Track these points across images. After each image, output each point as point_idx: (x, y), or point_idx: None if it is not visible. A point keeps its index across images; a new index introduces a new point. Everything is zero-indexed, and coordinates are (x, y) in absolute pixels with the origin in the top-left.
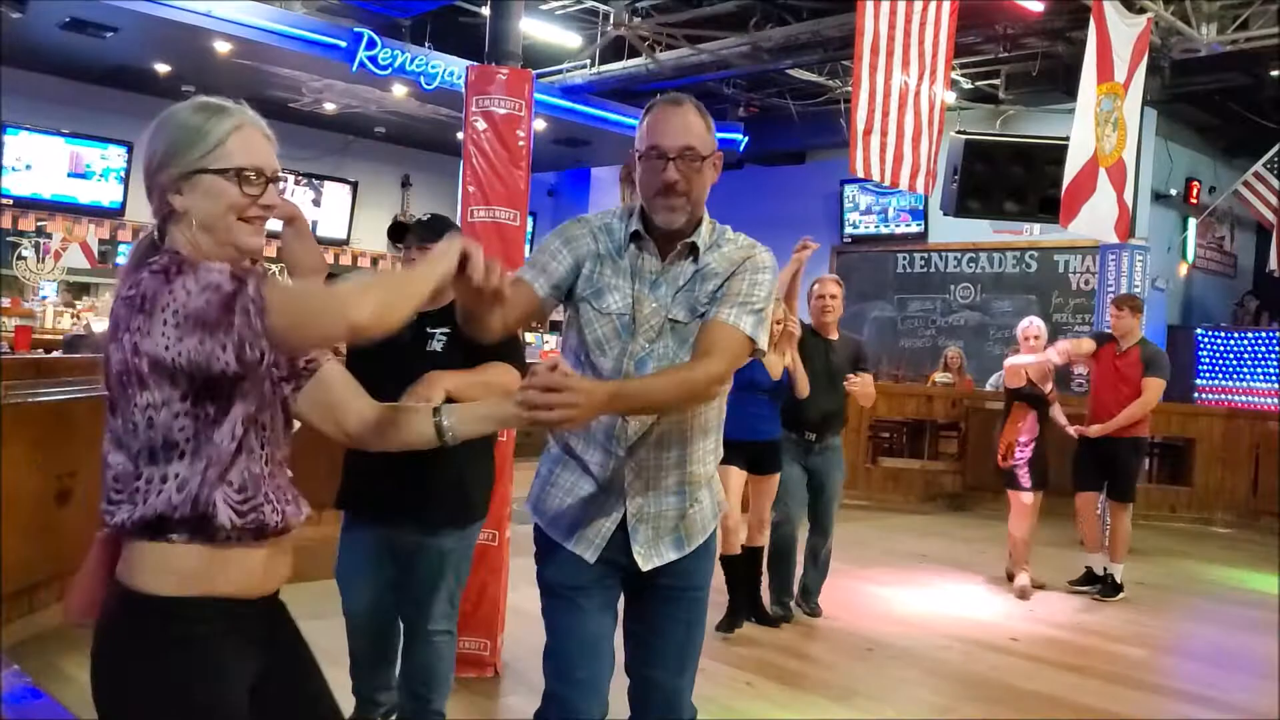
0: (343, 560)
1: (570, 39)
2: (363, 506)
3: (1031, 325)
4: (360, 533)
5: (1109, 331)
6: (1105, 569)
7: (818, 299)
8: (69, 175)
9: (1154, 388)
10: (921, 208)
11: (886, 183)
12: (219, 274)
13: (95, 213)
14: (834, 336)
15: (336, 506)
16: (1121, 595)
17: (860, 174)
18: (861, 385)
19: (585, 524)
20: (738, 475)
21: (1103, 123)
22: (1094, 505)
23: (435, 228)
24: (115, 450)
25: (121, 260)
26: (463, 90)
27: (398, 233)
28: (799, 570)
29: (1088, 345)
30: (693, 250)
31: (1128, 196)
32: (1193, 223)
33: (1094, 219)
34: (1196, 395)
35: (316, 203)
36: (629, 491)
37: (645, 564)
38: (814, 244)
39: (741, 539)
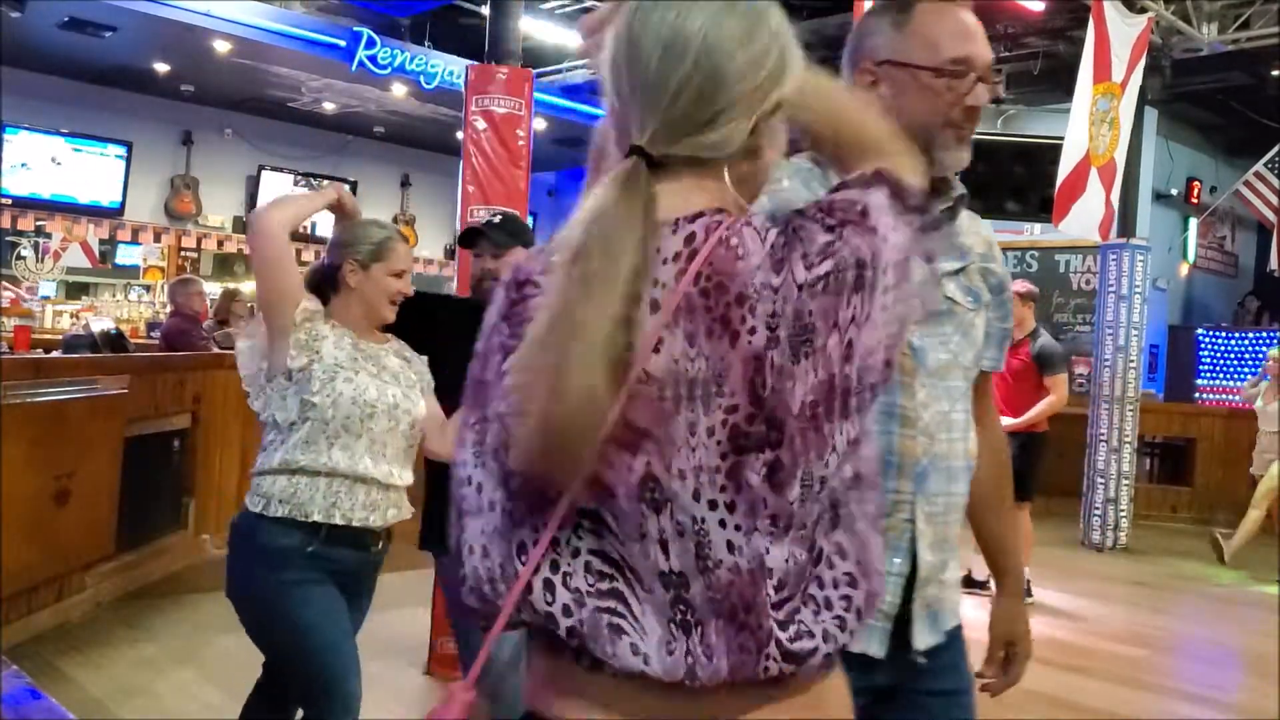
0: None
1: (570, 39)
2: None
3: None
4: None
5: None
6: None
7: None
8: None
9: (1061, 385)
10: None
11: None
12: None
13: (94, 212)
14: None
15: (424, 547)
16: (1029, 600)
17: None
18: None
19: None
20: None
21: (1098, 122)
22: None
23: (509, 229)
24: (779, 536)
25: (120, 260)
26: (462, 90)
27: (470, 239)
28: None
29: None
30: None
31: (1115, 197)
32: (1193, 222)
33: (1082, 219)
34: (1197, 395)
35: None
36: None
37: (921, 642)
38: None
39: None
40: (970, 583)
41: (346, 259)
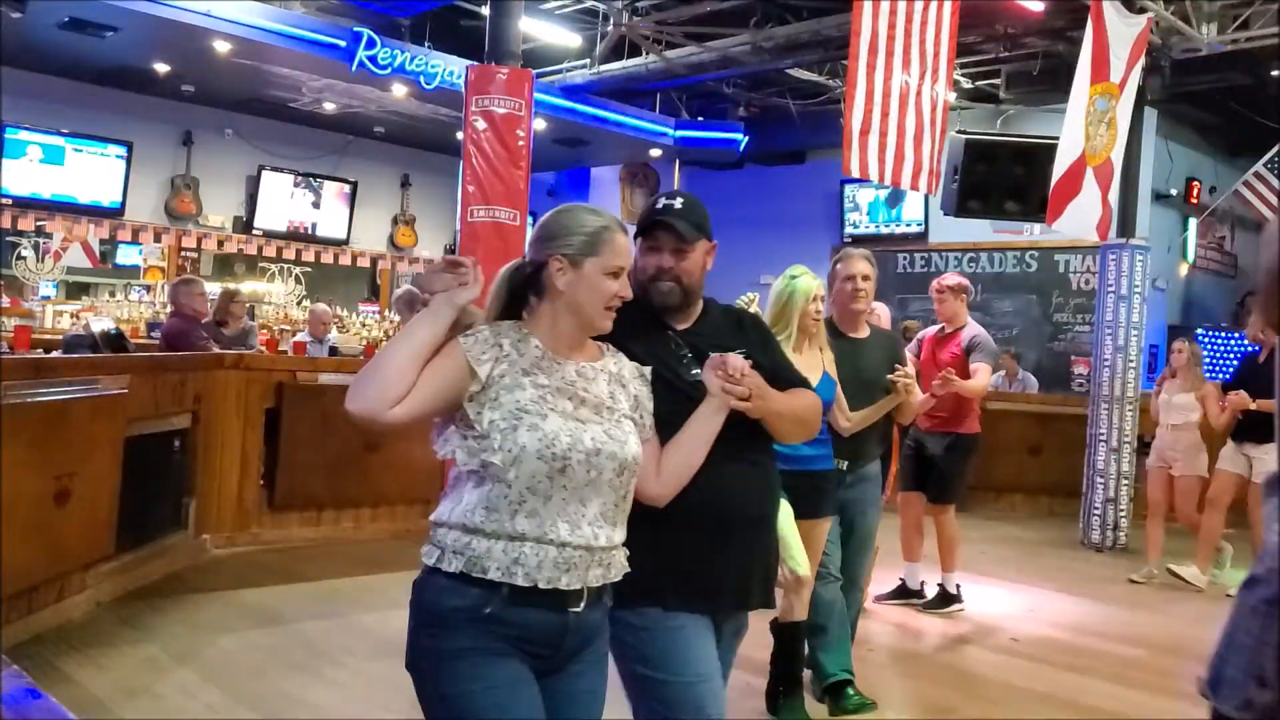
0: (696, 656)
1: (570, 39)
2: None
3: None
4: (696, 619)
5: (940, 326)
6: (925, 580)
7: (844, 282)
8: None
9: (983, 373)
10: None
11: (886, 182)
12: None
13: (95, 213)
14: (863, 333)
15: (652, 599)
16: (958, 607)
17: (855, 174)
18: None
19: None
20: (786, 512)
21: (1095, 122)
22: (914, 507)
23: (694, 218)
24: None
25: (120, 260)
26: (463, 90)
27: (652, 226)
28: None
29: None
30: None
31: (1113, 197)
32: (1193, 222)
33: (1077, 218)
34: None
35: (316, 204)
36: None
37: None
38: None
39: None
40: (904, 592)
41: (553, 255)
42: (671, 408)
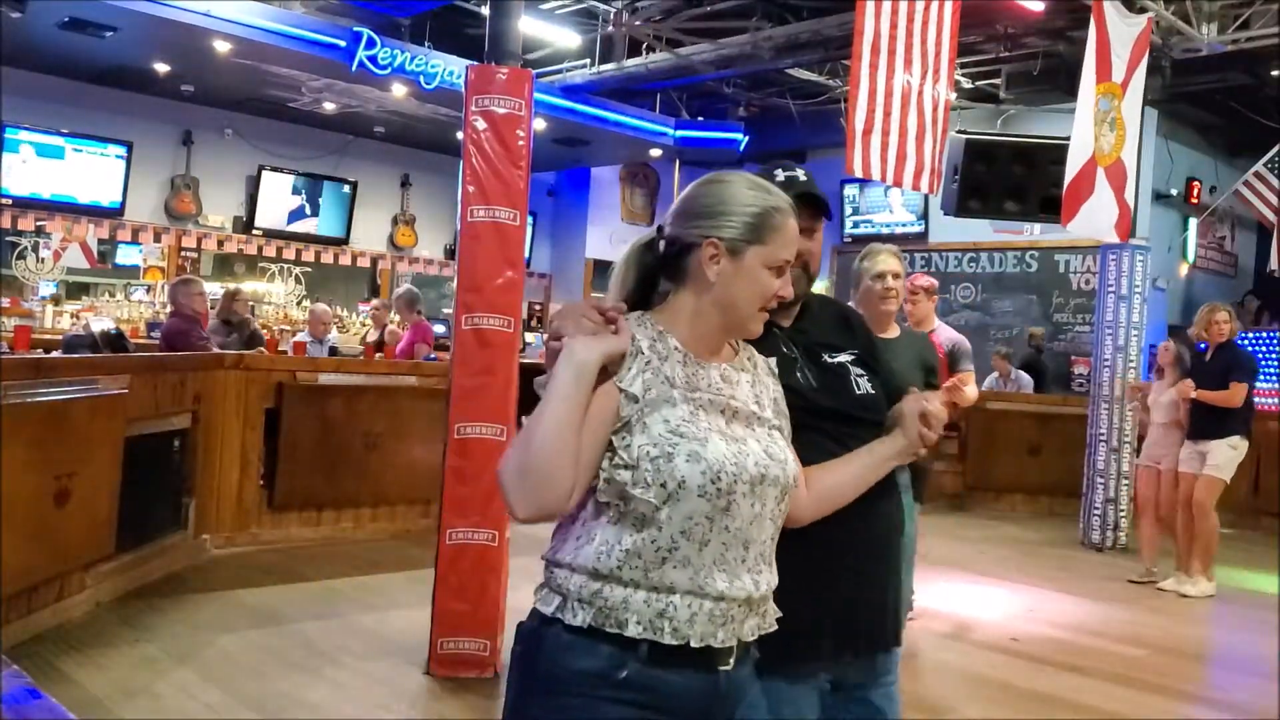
0: None
1: (570, 39)
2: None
3: None
4: (806, 687)
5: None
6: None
7: (873, 280)
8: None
9: (973, 379)
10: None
11: (888, 182)
12: None
13: (95, 212)
14: (893, 334)
15: (765, 667)
16: (910, 615)
17: (859, 174)
18: (949, 395)
19: None
20: None
21: (1100, 122)
22: None
23: (821, 198)
24: None
25: (120, 260)
26: (462, 90)
27: (817, 203)
28: None
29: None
30: None
31: (1129, 197)
32: (1193, 222)
33: (1093, 219)
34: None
35: (316, 203)
36: None
37: None
38: None
39: None
40: None
41: (708, 238)
42: (790, 416)
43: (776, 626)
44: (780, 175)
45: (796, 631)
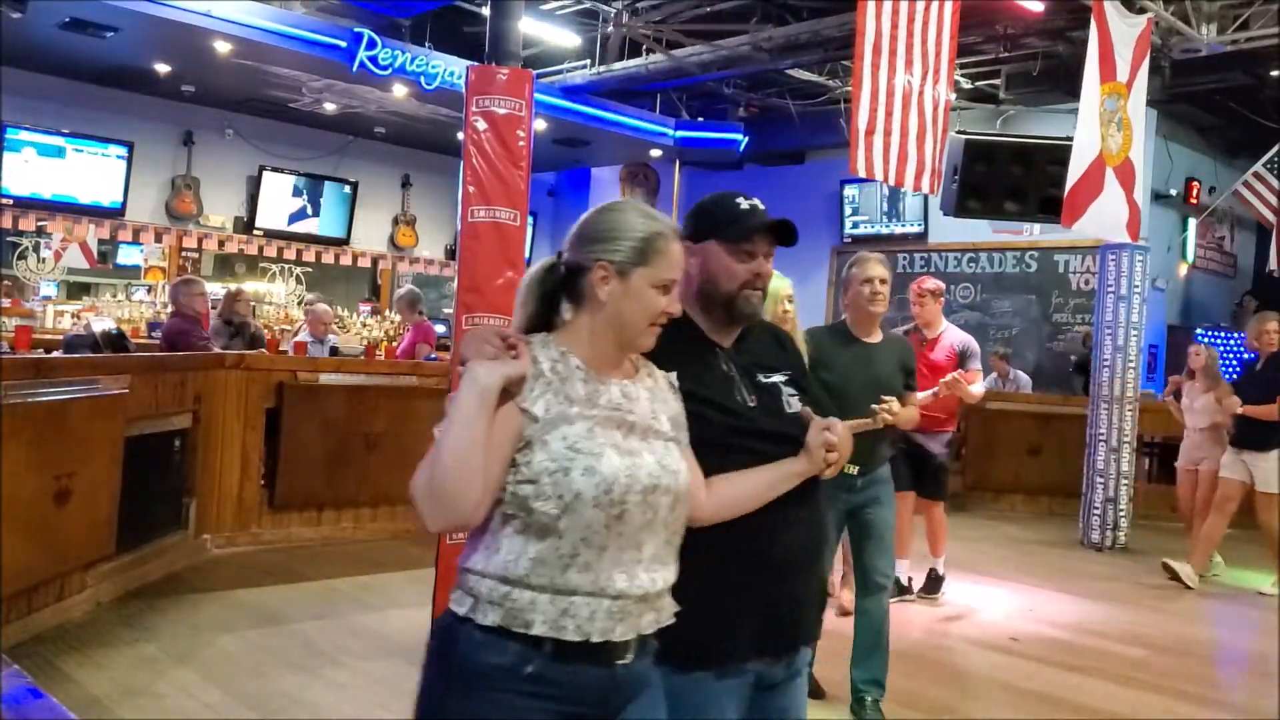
0: None
1: (570, 39)
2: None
3: None
4: (734, 682)
5: (913, 325)
6: (912, 578)
7: (862, 285)
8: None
9: (980, 378)
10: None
11: (890, 182)
12: None
13: (95, 213)
14: (876, 338)
15: (694, 663)
16: (943, 591)
17: (862, 174)
18: (900, 411)
19: None
20: None
21: (1107, 122)
22: (908, 506)
23: (777, 230)
24: None
25: (121, 261)
26: (463, 90)
27: (784, 231)
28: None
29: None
30: None
31: (1138, 196)
32: (1193, 223)
33: (1102, 219)
34: None
35: (317, 203)
36: None
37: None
38: None
39: None
40: (897, 588)
41: (598, 261)
42: (722, 433)
43: (674, 620)
44: (744, 204)
45: (724, 631)
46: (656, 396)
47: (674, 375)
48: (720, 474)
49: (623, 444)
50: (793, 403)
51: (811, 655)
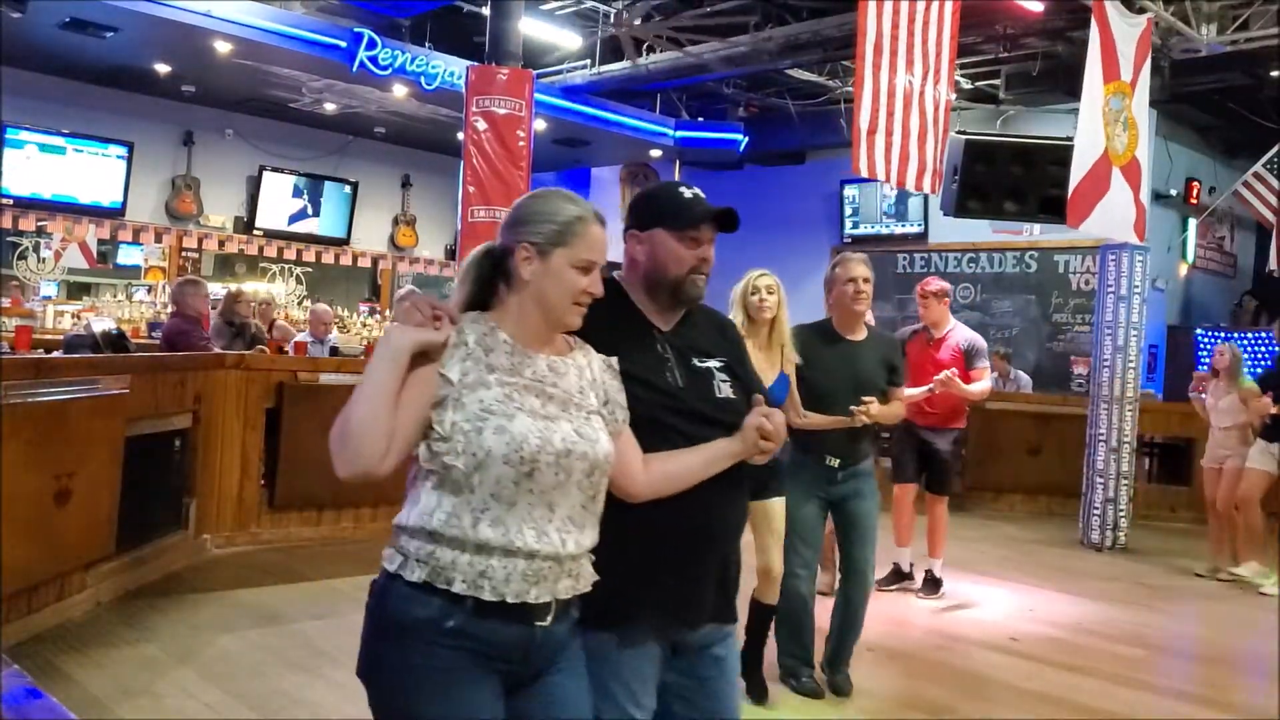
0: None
1: (570, 39)
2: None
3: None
4: (648, 641)
5: (920, 325)
6: (914, 565)
7: (846, 284)
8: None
9: (988, 378)
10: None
11: (892, 183)
12: None
13: (95, 213)
14: (860, 335)
15: (607, 621)
16: (941, 592)
17: (864, 174)
18: (880, 410)
19: None
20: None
21: (1112, 121)
22: (909, 497)
23: (719, 217)
24: None
25: (121, 261)
26: (463, 90)
27: (729, 220)
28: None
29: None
30: None
31: (1144, 196)
32: (1193, 223)
33: (1109, 219)
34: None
35: (317, 203)
36: None
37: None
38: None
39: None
40: (899, 576)
41: (520, 243)
42: (653, 412)
43: (591, 588)
44: (688, 194)
45: (641, 601)
46: (587, 374)
47: (614, 360)
48: (652, 452)
49: (540, 410)
50: (724, 388)
51: (736, 639)
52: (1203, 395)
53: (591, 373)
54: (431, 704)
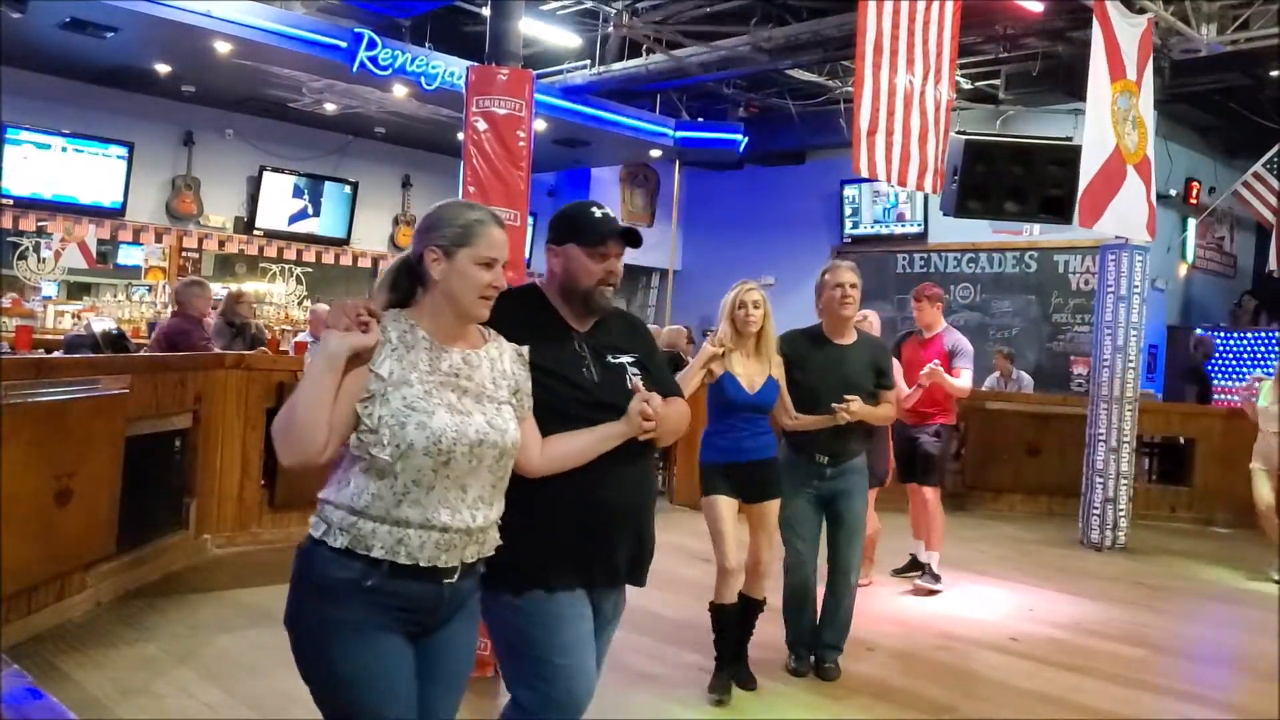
0: (574, 641)
1: (570, 39)
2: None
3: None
4: (578, 599)
5: (915, 329)
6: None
7: (833, 290)
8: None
9: (967, 375)
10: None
11: (892, 182)
12: None
13: (95, 213)
14: (849, 340)
15: (536, 582)
16: (938, 586)
17: (864, 174)
18: (864, 409)
19: None
20: (727, 505)
21: (1122, 120)
22: (917, 494)
23: (625, 234)
24: None
25: (121, 261)
26: (463, 90)
27: (632, 237)
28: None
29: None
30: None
31: (1153, 195)
32: (1192, 223)
33: (1122, 218)
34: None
35: (317, 203)
36: None
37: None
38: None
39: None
40: (915, 565)
41: (429, 246)
42: (566, 403)
43: (495, 553)
44: (598, 213)
45: (553, 560)
46: (498, 366)
47: (526, 349)
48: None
49: (456, 404)
50: (634, 380)
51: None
52: (1253, 398)
53: (503, 364)
54: (344, 653)
